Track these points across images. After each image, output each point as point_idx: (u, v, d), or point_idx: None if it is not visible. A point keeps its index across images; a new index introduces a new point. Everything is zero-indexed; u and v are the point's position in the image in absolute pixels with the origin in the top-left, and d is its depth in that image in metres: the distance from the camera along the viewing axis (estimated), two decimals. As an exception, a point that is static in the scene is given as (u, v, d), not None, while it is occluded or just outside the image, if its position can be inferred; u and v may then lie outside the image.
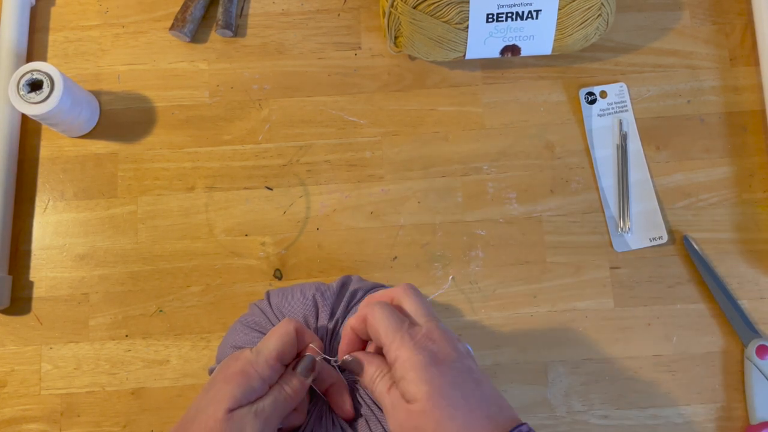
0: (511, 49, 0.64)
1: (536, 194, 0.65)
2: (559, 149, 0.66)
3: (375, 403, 0.49)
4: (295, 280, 0.64)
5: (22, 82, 0.60)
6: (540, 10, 0.61)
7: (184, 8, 0.67)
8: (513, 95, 0.67)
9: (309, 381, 0.47)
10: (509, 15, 0.62)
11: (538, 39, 0.63)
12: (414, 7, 0.61)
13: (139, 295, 0.64)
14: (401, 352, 0.43)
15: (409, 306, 0.46)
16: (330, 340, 0.51)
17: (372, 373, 0.45)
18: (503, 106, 0.67)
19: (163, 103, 0.67)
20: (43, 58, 0.69)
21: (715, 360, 0.62)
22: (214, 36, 0.69)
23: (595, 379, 0.62)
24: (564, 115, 0.67)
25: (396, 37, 0.64)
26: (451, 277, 0.63)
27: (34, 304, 0.64)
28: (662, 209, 0.64)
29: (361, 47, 0.68)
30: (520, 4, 0.61)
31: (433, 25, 0.62)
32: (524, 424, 0.42)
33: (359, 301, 0.54)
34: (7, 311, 0.64)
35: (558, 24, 0.62)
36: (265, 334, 0.51)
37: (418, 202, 0.65)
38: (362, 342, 0.48)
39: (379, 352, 0.46)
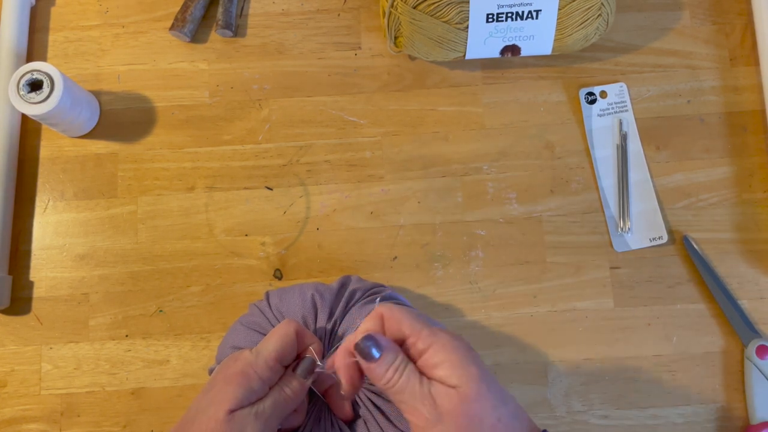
0: (511, 49, 0.64)
1: (536, 194, 0.65)
2: (559, 149, 0.66)
3: (374, 404, 0.49)
4: (295, 280, 0.64)
5: (22, 82, 0.60)
6: (540, 10, 0.61)
7: (184, 8, 0.67)
8: (513, 95, 0.67)
9: (309, 382, 0.47)
10: (509, 15, 0.62)
11: (538, 39, 0.63)
12: (414, 7, 0.61)
13: (139, 295, 0.64)
14: (438, 337, 0.41)
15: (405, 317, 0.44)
16: (329, 340, 0.52)
17: (391, 361, 0.41)
18: (503, 106, 0.67)
19: (163, 103, 0.67)
20: (43, 58, 0.69)
21: (715, 360, 0.62)
22: (214, 36, 0.69)
23: (595, 379, 0.62)
24: (564, 115, 0.67)
25: (396, 37, 0.64)
26: None
27: (34, 304, 0.64)
28: (662, 209, 0.64)
29: (361, 47, 0.68)
30: (520, 4, 0.61)
31: (433, 25, 0.62)
32: (544, 430, 0.41)
33: (357, 301, 0.54)
34: (7, 311, 0.64)
35: (558, 24, 0.62)
36: (264, 335, 0.51)
37: (418, 202, 0.65)
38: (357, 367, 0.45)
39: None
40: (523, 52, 0.64)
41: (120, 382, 0.62)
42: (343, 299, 0.54)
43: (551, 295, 0.63)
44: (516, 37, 0.63)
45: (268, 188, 0.65)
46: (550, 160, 0.66)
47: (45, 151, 0.67)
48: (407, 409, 0.41)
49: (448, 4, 0.61)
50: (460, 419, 0.39)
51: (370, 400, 0.49)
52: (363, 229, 0.65)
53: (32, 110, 0.60)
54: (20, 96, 0.60)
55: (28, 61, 0.68)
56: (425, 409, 0.39)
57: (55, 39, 0.69)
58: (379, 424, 0.48)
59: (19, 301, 0.64)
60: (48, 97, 0.60)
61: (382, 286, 0.58)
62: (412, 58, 0.68)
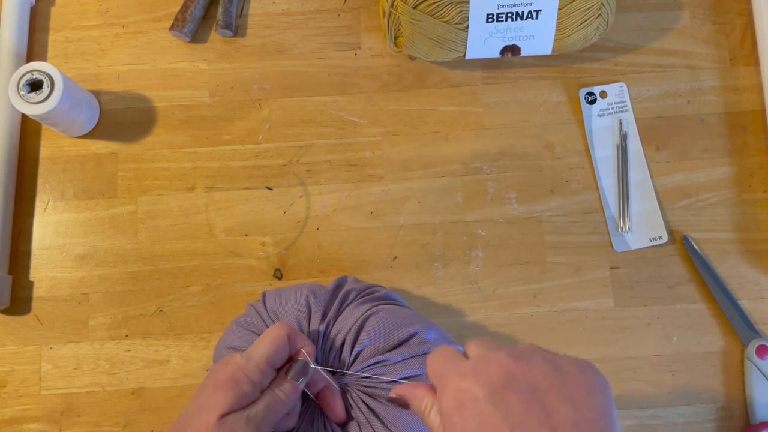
0: (511, 49, 0.64)
1: (536, 194, 0.65)
2: (559, 149, 0.66)
3: (367, 406, 0.49)
4: (295, 280, 0.64)
5: (22, 82, 0.60)
6: (540, 10, 0.61)
7: (184, 8, 0.67)
8: (513, 95, 0.67)
9: (302, 385, 0.47)
10: (509, 15, 0.62)
11: (538, 39, 0.63)
12: (414, 7, 0.61)
13: (139, 295, 0.64)
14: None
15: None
16: (322, 342, 0.52)
17: (422, 399, 0.40)
18: (503, 106, 0.67)
19: (163, 103, 0.67)
20: (43, 58, 0.69)
21: (715, 360, 0.62)
22: (214, 36, 0.69)
23: (595, 379, 0.62)
24: (564, 115, 0.67)
25: (396, 37, 0.64)
26: None
27: (34, 304, 0.64)
28: (662, 209, 0.64)
29: (361, 47, 0.68)
30: (520, 4, 0.61)
31: (433, 25, 0.62)
32: None
33: (351, 302, 0.54)
34: (7, 311, 0.64)
35: (558, 24, 0.62)
36: (259, 336, 0.51)
37: (418, 202, 0.65)
38: None
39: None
40: (523, 52, 0.64)
41: (120, 382, 0.62)
42: (337, 300, 0.54)
43: (551, 295, 0.63)
44: (516, 37, 0.63)
45: (268, 188, 0.65)
46: (550, 160, 0.66)
47: (45, 151, 0.67)
48: None
49: (448, 4, 0.61)
50: None
51: (363, 401, 0.49)
52: (363, 229, 0.65)
53: (32, 110, 0.60)
54: (20, 96, 0.60)
55: (28, 61, 0.68)
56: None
57: (55, 39, 0.69)
58: (372, 426, 0.48)
59: (19, 301, 0.64)
60: (48, 97, 0.60)
61: (378, 286, 0.58)
62: (412, 58, 0.68)
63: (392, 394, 0.43)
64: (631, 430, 0.61)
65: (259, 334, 0.52)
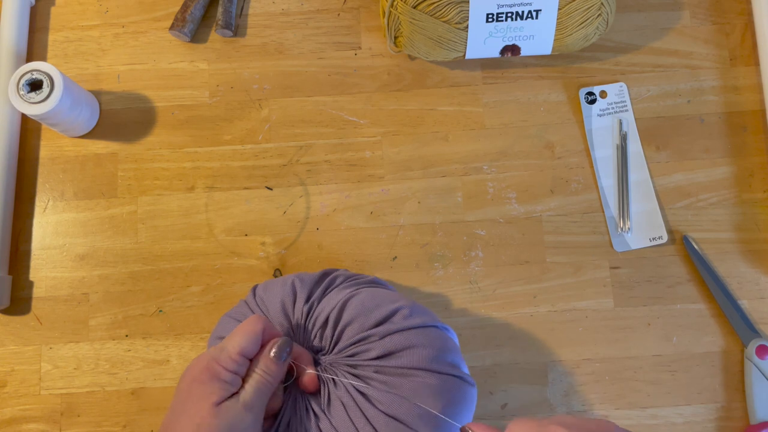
0: (511, 49, 0.64)
1: (536, 194, 0.65)
2: (559, 149, 0.66)
3: (353, 386, 0.48)
4: (295, 280, 0.64)
5: (22, 82, 0.60)
6: (540, 10, 0.61)
7: (184, 8, 0.67)
8: (513, 95, 0.67)
9: (286, 364, 0.48)
10: (509, 15, 0.62)
11: (538, 39, 0.63)
12: (414, 7, 0.61)
13: (139, 295, 0.64)
14: None
15: None
16: (305, 320, 0.52)
17: None
18: (503, 106, 0.67)
19: (163, 103, 0.67)
20: (43, 58, 0.69)
21: (715, 360, 0.62)
22: (214, 36, 0.69)
23: (595, 379, 0.62)
24: (564, 115, 0.67)
25: (396, 37, 0.64)
26: None
27: (34, 304, 0.64)
28: (662, 209, 0.64)
29: (361, 47, 0.68)
30: (520, 4, 0.61)
31: (433, 25, 0.62)
32: None
33: (337, 286, 0.54)
34: (7, 311, 0.64)
35: (558, 24, 0.62)
36: None
37: (418, 202, 0.65)
38: None
39: None
40: (523, 52, 0.64)
41: (120, 382, 0.62)
42: (323, 284, 0.54)
43: (551, 295, 0.63)
44: (516, 36, 0.63)
45: (268, 188, 0.65)
46: (550, 160, 0.66)
47: (45, 151, 0.67)
48: None
49: (448, 4, 0.61)
50: None
51: (351, 384, 0.49)
52: (363, 229, 0.65)
53: (32, 110, 0.60)
54: (20, 96, 0.60)
55: (28, 61, 0.68)
56: None
57: (55, 39, 0.69)
58: (359, 407, 0.48)
59: (19, 301, 0.64)
60: (48, 97, 0.60)
61: (364, 276, 0.57)
62: (412, 58, 0.68)
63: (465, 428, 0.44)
64: (631, 430, 0.61)
65: None
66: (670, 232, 0.64)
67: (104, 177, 0.66)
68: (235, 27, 0.68)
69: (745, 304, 0.63)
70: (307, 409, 0.49)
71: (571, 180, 0.65)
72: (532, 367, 0.62)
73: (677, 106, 0.66)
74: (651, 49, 0.68)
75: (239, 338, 0.46)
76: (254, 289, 0.56)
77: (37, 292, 0.64)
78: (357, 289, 0.53)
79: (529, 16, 0.62)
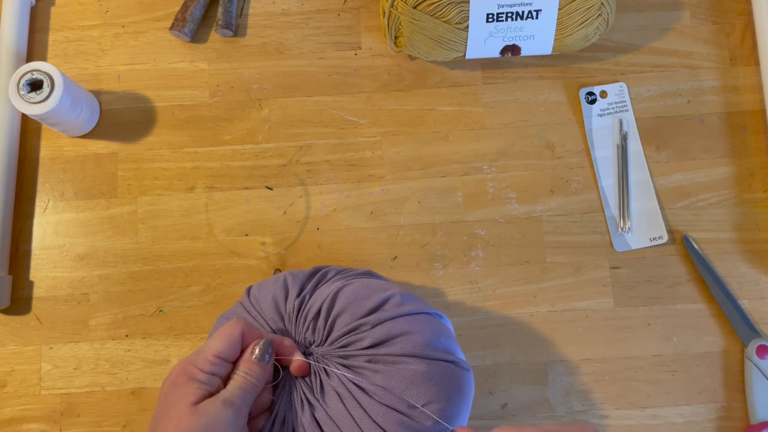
0: (511, 49, 0.64)
1: (536, 194, 0.65)
2: (559, 149, 0.66)
3: (347, 377, 0.48)
4: (295, 280, 0.64)
5: (22, 82, 0.60)
6: (540, 10, 0.61)
7: (184, 8, 0.67)
8: (513, 95, 0.67)
9: (269, 364, 0.48)
10: (509, 15, 0.62)
11: (538, 39, 0.63)
12: (414, 7, 0.61)
13: (139, 295, 0.64)
14: None
15: None
16: (296, 313, 0.51)
17: None
18: (503, 106, 0.67)
19: (163, 103, 0.67)
20: (43, 58, 0.69)
21: (715, 360, 0.62)
22: (214, 36, 0.69)
23: (595, 379, 0.62)
24: (564, 115, 0.67)
25: (396, 37, 0.64)
26: None
27: (34, 304, 0.64)
28: (662, 209, 0.64)
29: (361, 47, 0.68)
30: (520, 4, 0.61)
31: (433, 25, 0.62)
32: None
33: (329, 280, 0.54)
34: (7, 311, 0.64)
35: (558, 24, 0.62)
36: None
37: (418, 202, 0.65)
38: None
39: None
40: (523, 52, 0.64)
41: (120, 382, 0.62)
42: (315, 279, 0.54)
43: (551, 295, 0.63)
44: (516, 36, 0.63)
45: (268, 188, 0.65)
46: (550, 160, 0.66)
47: (45, 151, 0.67)
48: None
49: (448, 4, 0.61)
50: None
51: (346, 376, 0.49)
52: (363, 229, 0.65)
53: (32, 110, 0.60)
54: (20, 96, 0.60)
55: (28, 61, 0.68)
56: None
57: (55, 39, 0.69)
58: (352, 395, 0.48)
59: (19, 301, 0.64)
60: (48, 97, 0.60)
61: (354, 270, 0.57)
62: (412, 58, 0.68)
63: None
64: (631, 430, 0.61)
65: None
66: (670, 232, 0.64)
67: (104, 177, 0.66)
68: (235, 27, 0.68)
69: (745, 304, 0.63)
70: (301, 401, 0.49)
71: (571, 180, 0.65)
72: (532, 367, 0.62)
73: (677, 106, 0.66)
74: (651, 49, 0.68)
75: (215, 341, 0.47)
76: (249, 289, 0.56)
77: (37, 292, 0.64)
78: (349, 280, 0.53)
79: (530, 16, 0.62)
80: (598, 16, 0.62)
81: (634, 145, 0.66)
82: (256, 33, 0.69)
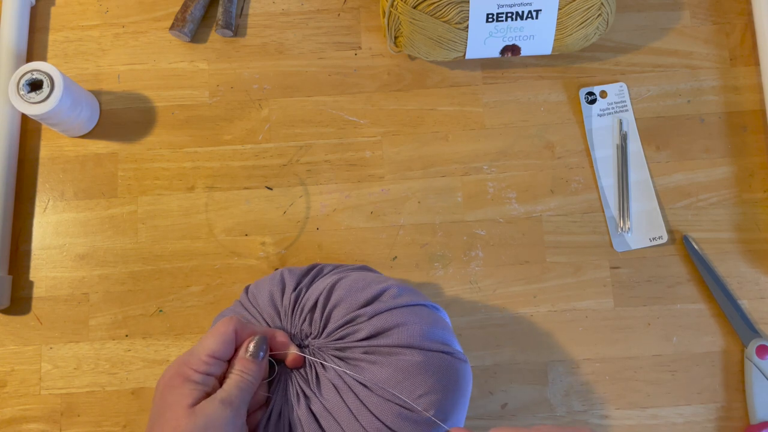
0: (511, 49, 0.64)
1: (536, 194, 0.65)
2: (559, 149, 0.66)
3: (343, 369, 0.48)
4: (295, 280, 0.64)
5: (22, 82, 0.60)
6: (540, 10, 0.61)
7: (184, 8, 0.67)
8: (513, 95, 0.67)
9: (264, 361, 0.48)
10: (509, 15, 0.62)
11: (538, 39, 0.63)
12: (414, 7, 0.61)
13: (139, 295, 0.64)
14: None
15: None
16: (293, 307, 0.51)
17: None
18: (503, 106, 0.67)
19: (163, 103, 0.67)
20: (43, 58, 0.69)
21: (715, 360, 0.62)
22: (214, 36, 0.69)
23: (595, 379, 0.62)
24: (564, 115, 0.67)
25: (396, 37, 0.64)
26: None
27: (34, 304, 0.64)
28: (662, 209, 0.64)
29: (361, 47, 0.68)
30: (520, 4, 0.61)
31: (433, 25, 0.62)
32: None
33: (325, 275, 0.54)
34: (7, 311, 0.64)
35: (558, 24, 0.62)
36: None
37: (418, 202, 0.65)
38: None
39: None
40: (523, 52, 0.64)
41: (120, 382, 0.62)
42: (311, 274, 0.54)
43: (551, 295, 0.63)
44: (516, 36, 0.63)
45: (268, 188, 0.66)
46: (550, 160, 0.66)
47: (45, 151, 0.67)
48: None
49: (448, 4, 0.61)
50: None
51: (346, 372, 0.48)
52: (363, 229, 0.65)
53: (32, 110, 0.60)
54: (20, 96, 0.60)
55: (28, 61, 0.68)
56: None
57: (55, 39, 0.69)
58: (352, 389, 0.48)
59: (19, 301, 0.64)
60: (48, 97, 0.60)
61: (346, 265, 0.57)
62: (412, 58, 0.68)
63: None
64: (631, 430, 0.61)
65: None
66: (670, 232, 0.64)
67: (104, 177, 0.66)
68: (235, 27, 0.68)
69: (745, 304, 0.63)
70: (297, 394, 0.49)
71: (571, 180, 0.65)
72: (532, 367, 0.62)
73: (677, 106, 0.66)
74: (651, 49, 0.68)
75: (209, 340, 0.47)
76: (247, 288, 0.56)
77: (37, 292, 0.64)
78: (345, 273, 0.53)
79: (529, 16, 0.62)
80: (598, 16, 0.62)
81: (634, 145, 0.66)
82: (256, 33, 0.69)
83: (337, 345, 0.49)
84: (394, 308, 0.50)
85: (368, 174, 0.66)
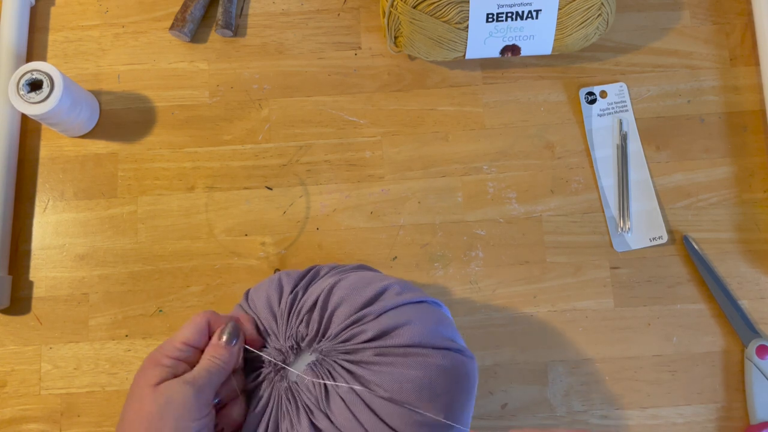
0: (511, 49, 0.64)
1: (536, 194, 0.65)
2: (559, 149, 0.66)
3: (349, 372, 0.47)
4: (295, 280, 0.64)
5: (22, 82, 0.60)
6: (540, 10, 0.61)
7: (184, 8, 0.67)
8: (513, 95, 0.67)
9: (236, 347, 0.49)
10: (509, 15, 0.62)
11: (538, 39, 0.63)
12: (414, 7, 0.61)
13: (139, 295, 0.64)
14: None
15: None
16: (289, 309, 0.51)
17: None
18: (503, 106, 0.67)
19: (163, 103, 0.67)
20: (43, 58, 0.69)
21: (715, 360, 0.62)
22: (214, 36, 0.69)
23: (595, 379, 0.62)
24: (564, 115, 0.67)
25: (396, 37, 0.64)
26: None
27: (34, 304, 0.64)
28: (662, 209, 0.64)
29: (361, 47, 0.68)
30: (520, 4, 0.61)
31: (433, 25, 0.62)
32: None
33: (322, 277, 0.54)
34: (7, 311, 0.64)
35: (558, 24, 0.62)
36: None
37: (418, 202, 0.65)
38: None
39: None
40: (523, 52, 0.64)
41: (120, 382, 0.62)
42: (309, 275, 0.54)
43: (551, 295, 0.63)
44: (516, 36, 0.63)
45: (268, 188, 0.66)
46: (550, 160, 0.66)
47: (45, 151, 0.67)
48: None
49: (448, 4, 0.61)
50: None
51: (344, 368, 0.48)
52: (363, 229, 0.65)
53: (32, 110, 0.60)
54: (20, 96, 0.60)
55: (28, 61, 0.68)
56: None
57: (55, 39, 0.69)
58: (356, 392, 0.47)
59: (19, 301, 0.64)
60: (48, 97, 0.60)
61: (343, 266, 0.57)
62: (412, 58, 0.68)
63: None
64: (631, 430, 0.61)
65: None
66: (670, 232, 0.64)
67: (104, 177, 0.66)
68: (235, 27, 0.68)
69: (745, 304, 0.63)
70: (298, 407, 0.48)
71: (571, 180, 0.65)
72: (532, 367, 0.62)
73: (677, 106, 0.66)
74: (651, 49, 0.68)
75: (183, 330, 0.49)
76: (247, 292, 0.55)
77: (37, 292, 0.64)
78: (344, 274, 0.53)
79: (529, 16, 0.62)
80: (598, 16, 0.62)
81: (634, 145, 0.66)
82: (256, 33, 0.69)
83: (346, 347, 0.48)
84: (400, 305, 0.50)
85: (368, 174, 0.66)
